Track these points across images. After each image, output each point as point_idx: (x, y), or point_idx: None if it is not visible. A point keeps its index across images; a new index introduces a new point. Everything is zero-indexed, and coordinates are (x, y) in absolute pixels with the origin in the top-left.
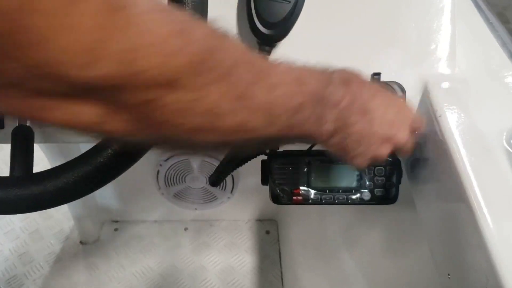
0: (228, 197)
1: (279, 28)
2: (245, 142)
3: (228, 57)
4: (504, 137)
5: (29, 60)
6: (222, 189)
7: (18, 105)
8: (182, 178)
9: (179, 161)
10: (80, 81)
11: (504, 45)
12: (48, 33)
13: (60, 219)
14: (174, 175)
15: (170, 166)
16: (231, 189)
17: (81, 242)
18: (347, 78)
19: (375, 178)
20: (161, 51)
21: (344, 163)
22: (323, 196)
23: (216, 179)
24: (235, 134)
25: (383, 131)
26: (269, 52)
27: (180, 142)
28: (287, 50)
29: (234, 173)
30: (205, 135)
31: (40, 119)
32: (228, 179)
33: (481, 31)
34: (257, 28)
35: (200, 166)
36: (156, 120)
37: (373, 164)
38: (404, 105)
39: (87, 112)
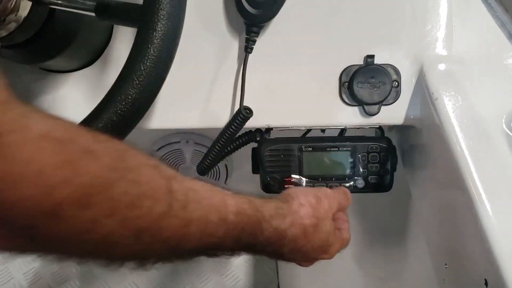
0: (222, 187)
1: (267, 7)
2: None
3: (132, 191)
4: (503, 120)
5: None
6: (215, 179)
7: None
8: (174, 168)
9: (171, 151)
10: None
11: (502, 25)
12: None
13: None
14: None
15: (162, 156)
16: (224, 179)
17: None
18: (282, 214)
19: (369, 165)
20: (40, 182)
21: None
22: (316, 184)
23: (204, 168)
24: (134, 259)
25: (314, 255)
26: (256, 34)
27: (72, 260)
28: (276, 31)
29: (228, 162)
30: (100, 258)
31: None
32: (222, 168)
33: (479, 11)
34: (244, 7)
35: (192, 156)
36: (41, 241)
37: None
38: (329, 230)
39: None
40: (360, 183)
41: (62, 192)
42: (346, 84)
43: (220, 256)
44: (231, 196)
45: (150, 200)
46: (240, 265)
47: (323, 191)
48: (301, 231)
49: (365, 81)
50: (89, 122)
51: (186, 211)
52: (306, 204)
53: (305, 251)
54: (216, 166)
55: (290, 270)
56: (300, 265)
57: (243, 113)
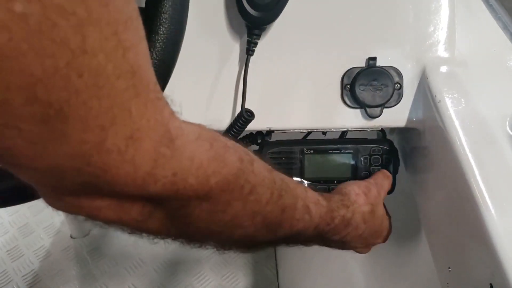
0: None
1: (269, 9)
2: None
3: (252, 179)
4: (507, 123)
5: (95, 182)
6: None
7: (79, 206)
8: None
9: None
10: (133, 195)
11: (505, 27)
12: (108, 167)
13: (50, 213)
14: None
15: None
16: None
17: (71, 237)
18: (349, 211)
19: (371, 167)
20: (200, 173)
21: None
22: (318, 187)
23: None
24: (243, 241)
25: (370, 241)
26: (258, 36)
27: (199, 241)
28: (278, 34)
29: None
30: (221, 239)
31: (95, 216)
32: None
33: (481, 13)
34: (246, 9)
35: None
36: (186, 222)
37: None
38: (383, 214)
39: (134, 210)
40: None
41: (213, 180)
42: (348, 86)
43: (298, 245)
44: (308, 188)
45: (261, 188)
46: (239, 266)
47: (370, 180)
48: (361, 218)
49: (367, 83)
50: None
51: (282, 198)
52: (361, 193)
53: (365, 237)
54: None
55: (289, 271)
56: (360, 252)
57: (245, 116)
